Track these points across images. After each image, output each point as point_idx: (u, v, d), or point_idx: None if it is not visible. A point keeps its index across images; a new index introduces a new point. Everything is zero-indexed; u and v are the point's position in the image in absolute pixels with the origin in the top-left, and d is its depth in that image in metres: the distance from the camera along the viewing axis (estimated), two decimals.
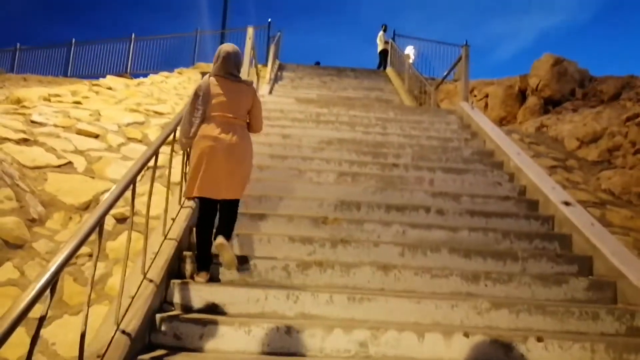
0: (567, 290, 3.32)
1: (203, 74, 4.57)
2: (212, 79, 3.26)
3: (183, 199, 3.71)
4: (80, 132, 4.92)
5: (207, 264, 3.17)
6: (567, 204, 4.32)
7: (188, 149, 3.43)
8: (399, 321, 2.87)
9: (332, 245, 3.58)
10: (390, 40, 15.24)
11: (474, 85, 11.40)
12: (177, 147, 3.58)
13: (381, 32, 15.98)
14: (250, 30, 8.93)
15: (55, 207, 3.66)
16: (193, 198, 3.27)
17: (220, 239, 3.05)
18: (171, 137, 3.49)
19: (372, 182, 4.87)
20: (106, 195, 2.42)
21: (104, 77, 8.92)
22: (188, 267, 3.25)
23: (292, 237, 3.60)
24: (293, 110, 7.40)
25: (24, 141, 4.41)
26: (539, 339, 2.68)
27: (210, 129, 3.14)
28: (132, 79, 10.28)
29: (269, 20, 15.39)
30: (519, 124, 9.54)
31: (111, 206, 2.32)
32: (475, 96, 11.26)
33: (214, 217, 3.22)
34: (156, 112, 6.26)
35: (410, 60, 13.26)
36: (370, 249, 3.59)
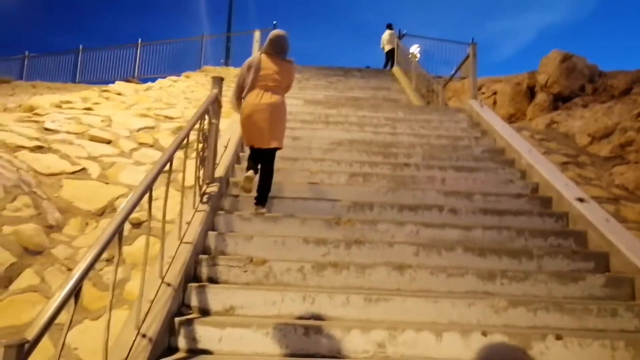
0: (584, 287, 3.31)
1: (214, 78, 4.59)
2: (263, 55, 4.06)
3: (197, 204, 3.74)
4: (92, 138, 4.97)
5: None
6: (581, 200, 4.29)
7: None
8: (416, 321, 2.87)
9: (346, 246, 3.58)
10: (396, 39, 15.21)
11: (481, 83, 11.36)
12: (190, 152, 3.61)
13: (387, 31, 15.95)
14: (257, 34, 9.02)
15: (72, 213, 3.70)
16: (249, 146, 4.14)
17: (260, 209, 3.96)
18: (184, 141, 3.51)
19: (384, 182, 4.87)
20: (123, 201, 2.44)
21: (112, 82, 8.98)
22: (204, 270, 3.26)
23: (306, 239, 3.60)
24: (301, 111, 7.40)
25: (39, 148, 4.46)
26: (558, 337, 2.67)
27: (255, 95, 3.93)
28: (140, 83, 10.34)
29: (275, 22, 15.39)
30: (528, 121, 9.49)
31: (130, 213, 2.34)
32: (483, 93, 11.22)
33: (259, 161, 4.08)
34: (166, 117, 6.30)
35: (416, 59, 13.23)
36: (385, 249, 3.59)
